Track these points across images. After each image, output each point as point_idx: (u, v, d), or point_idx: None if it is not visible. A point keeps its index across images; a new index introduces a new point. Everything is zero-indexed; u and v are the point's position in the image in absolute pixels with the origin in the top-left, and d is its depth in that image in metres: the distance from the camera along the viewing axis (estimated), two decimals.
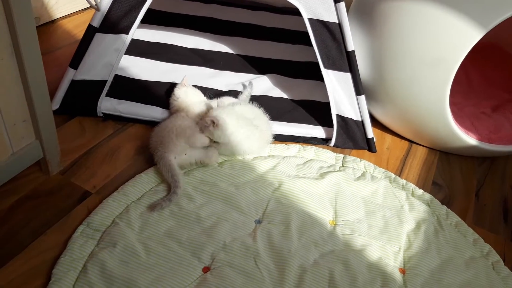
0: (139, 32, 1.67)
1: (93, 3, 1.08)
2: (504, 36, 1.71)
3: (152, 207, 1.05)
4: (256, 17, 1.98)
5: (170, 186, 1.10)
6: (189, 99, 1.31)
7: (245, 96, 1.42)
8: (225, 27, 1.86)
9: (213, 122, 1.17)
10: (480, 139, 1.35)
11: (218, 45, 1.74)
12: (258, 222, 1.07)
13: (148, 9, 1.24)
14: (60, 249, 0.96)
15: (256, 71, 1.64)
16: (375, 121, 1.49)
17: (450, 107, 1.26)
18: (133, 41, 1.24)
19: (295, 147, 1.32)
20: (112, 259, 0.92)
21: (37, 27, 1.40)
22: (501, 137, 1.39)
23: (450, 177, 1.36)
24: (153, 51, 1.62)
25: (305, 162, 1.28)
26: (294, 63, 1.72)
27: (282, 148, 1.31)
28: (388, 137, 1.47)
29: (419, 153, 1.43)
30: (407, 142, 1.46)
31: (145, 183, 1.12)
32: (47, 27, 1.74)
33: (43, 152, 1.07)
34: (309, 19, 1.24)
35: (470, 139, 1.33)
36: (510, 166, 1.45)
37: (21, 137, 1.00)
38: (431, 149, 1.45)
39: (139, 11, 1.22)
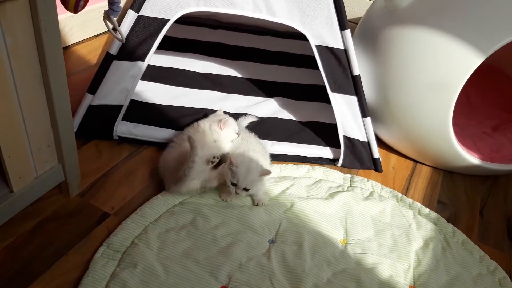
0: (151, 58, 1.73)
1: (119, 36, 1.13)
2: (502, 59, 1.77)
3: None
4: (261, 41, 2.05)
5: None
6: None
7: (243, 125, 1.46)
8: (232, 52, 1.93)
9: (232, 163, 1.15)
10: (483, 158, 1.39)
11: (226, 69, 1.81)
12: (272, 242, 1.11)
13: None
14: (82, 269, 0.99)
15: (264, 94, 1.70)
16: (380, 142, 1.54)
17: (453, 128, 1.31)
18: (146, 66, 1.30)
19: (304, 168, 1.37)
20: (133, 280, 0.96)
21: None
22: (503, 156, 1.43)
23: (455, 196, 1.40)
24: (164, 76, 1.68)
25: (315, 182, 1.32)
26: (299, 85, 1.78)
27: (292, 169, 1.36)
28: (393, 157, 1.52)
29: (424, 173, 1.47)
30: (412, 162, 1.51)
31: (161, 204, 1.16)
32: None
33: (64, 175, 1.11)
34: (317, 46, 1.30)
35: (472, 159, 1.37)
36: (511, 184, 1.50)
37: (45, 161, 1.05)
38: (436, 169, 1.49)
39: (155, 40, 1.28)
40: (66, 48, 1.85)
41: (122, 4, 1.10)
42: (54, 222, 1.09)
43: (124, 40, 1.18)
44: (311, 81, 1.79)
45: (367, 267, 1.07)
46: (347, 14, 1.27)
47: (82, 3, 0.92)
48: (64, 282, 0.96)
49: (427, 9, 1.30)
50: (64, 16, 1.72)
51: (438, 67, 1.25)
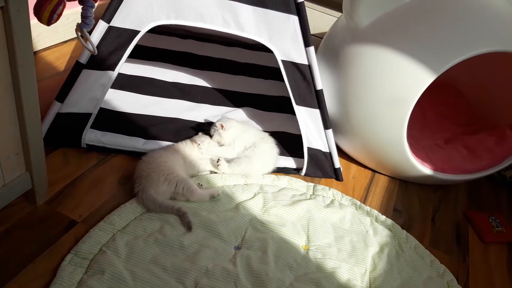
0: (121, 67, 1.74)
1: (91, 48, 1.15)
2: (455, 76, 1.90)
3: (189, 228, 1.15)
4: (230, 52, 2.10)
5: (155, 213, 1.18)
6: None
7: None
8: (201, 62, 1.97)
9: (222, 126, 1.40)
10: (434, 169, 1.50)
11: (196, 79, 1.85)
12: (238, 248, 1.15)
13: None
14: (49, 276, 1.00)
15: (232, 104, 1.75)
16: (341, 152, 1.62)
17: (407, 140, 1.41)
18: None
19: (270, 176, 1.43)
20: (101, 286, 0.98)
21: None
22: (453, 167, 1.54)
23: (409, 204, 1.50)
24: (134, 84, 1.70)
25: (279, 190, 1.38)
26: (267, 97, 1.84)
27: (258, 177, 1.41)
28: (354, 167, 1.61)
29: (381, 182, 1.56)
30: (370, 172, 1.60)
31: (129, 212, 1.18)
32: None
33: (32, 183, 1.11)
34: (282, 61, 1.37)
35: (425, 169, 1.48)
36: (461, 193, 1.61)
37: (13, 169, 1.05)
38: (392, 178, 1.59)
39: (126, 50, 1.31)
40: (34, 54, 1.83)
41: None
42: (21, 230, 1.10)
43: (96, 52, 1.20)
44: (278, 92, 1.86)
45: (327, 271, 1.14)
46: (312, 29, 1.35)
47: (55, 16, 0.94)
48: None
49: (386, 29, 1.40)
50: (32, 22, 1.71)
51: (394, 83, 1.34)
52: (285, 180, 1.43)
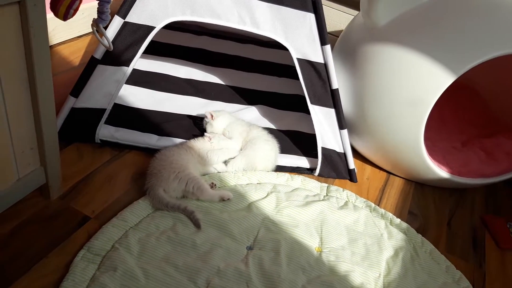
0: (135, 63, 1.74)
1: (107, 44, 1.15)
2: (474, 78, 1.86)
3: (197, 226, 1.14)
4: (245, 49, 2.09)
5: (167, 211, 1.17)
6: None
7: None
8: (216, 59, 1.96)
9: (211, 115, 1.44)
10: (451, 172, 1.47)
11: (209, 75, 1.84)
12: (250, 248, 1.14)
13: None
14: (61, 272, 1.00)
15: (245, 102, 1.73)
16: (356, 153, 1.60)
17: (424, 142, 1.38)
18: None
19: (284, 176, 1.41)
20: (113, 283, 0.98)
21: None
22: (470, 170, 1.51)
23: (425, 207, 1.47)
24: (148, 80, 1.70)
25: (293, 190, 1.36)
26: (280, 95, 1.82)
27: (272, 177, 1.40)
28: (368, 168, 1.58)
29: (397, 184, 1.54)
30: (385, 173, 1.57)
31: (142, 209, 1.18)
32: None
33: (46, 178, 1.12)
34: (298, 59, 1.35)
35: (442, 172, 1.45)
36: (478, 197, 1.57)
37: (28, 164, 1.05)
38: (407, 180, 1.56)
39: (140, 46, 1.30)
40: (49, 48, 1.84)
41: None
42: (35, 225, 1.10)
43: (112, 48, 1.20)
44: (292, 91, 1.84)
45: (340, 274, 1.12)
46: (328, 26, 1.33)
47: (72, 11, 0.93)
48: (43, 284, 0.97)
49: (404, 28, 1.37)
50: (47, 16, 1.72)
51: (412, 84, 1.32)
52: (298, 180, 1.41)
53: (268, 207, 1.26)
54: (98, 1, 1.03)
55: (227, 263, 1.08)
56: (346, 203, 1.36)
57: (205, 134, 1.40)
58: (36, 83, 0.94)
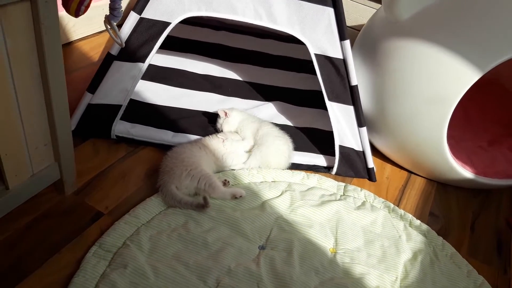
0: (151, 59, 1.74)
1: (118, 40, 1.14)
2: (503, 73, 1.78)
3: (206, 202, 1.15)
4: (263, 44, 2.06)
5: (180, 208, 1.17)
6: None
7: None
8: (233, 54, 1.94)
9: (225, 113, 1.42)
10: (476, 172, 1.40)
11: (227, 71, 1.82)
12: (262, 248, 1.12)
13: None
14: (73, 267, 1.01)
15: (262, 98, 1.71)
16: (375, 151, 1.55)
17: (448, 140, 1.32)
18: None
19: (299, 174, 1.38)
20: (123, 281, 0.97)
21: None
22: (496, 171, 1.44)
23: (447, 209, 1.41)
24: (164, 76, 1.69)
25: (308, 189, 1.33)
26: (298, 91, 1.79)
27: (287, 175, 1.37)
28: (388, 167, 1.53)
29: (418, 184, 1.48)
30: (406, 173, 1.52)
31: (155, 206, 1.18)
32: (63, 49, 1.80)
33: (60, 173, 1.12)
34: (316, 55, 1.31)
35: (466, 172, 1.38)
36: (504, 199, 1.50)
37: (42, 160, 1.06)
38: (429, 180, 1.50)
39: (156, 42, 1.29)
40: (69, 44, 1.86)
41: (124, 5, 1.10)
42: (49, 220, 1.11)
43: (124, 45, 1.20)
44: (311, 87, 1.80)
45: (354, 277, 1.09)
46: (348, 20, 1.28)
47: (83, 8, 0.93)
48: (55, 280, 0.98)
49: (428, 23, 1.31)
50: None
51: (436, 80, 1.26)
52: (314, 178, 1.38)
53: (282, 206, 1.24)
54: None
55: (238, 263, 1.06)
56: (363, 203, 1.32)
57: (218, 135, 1.38)
58: (48, 80, 0.94)
